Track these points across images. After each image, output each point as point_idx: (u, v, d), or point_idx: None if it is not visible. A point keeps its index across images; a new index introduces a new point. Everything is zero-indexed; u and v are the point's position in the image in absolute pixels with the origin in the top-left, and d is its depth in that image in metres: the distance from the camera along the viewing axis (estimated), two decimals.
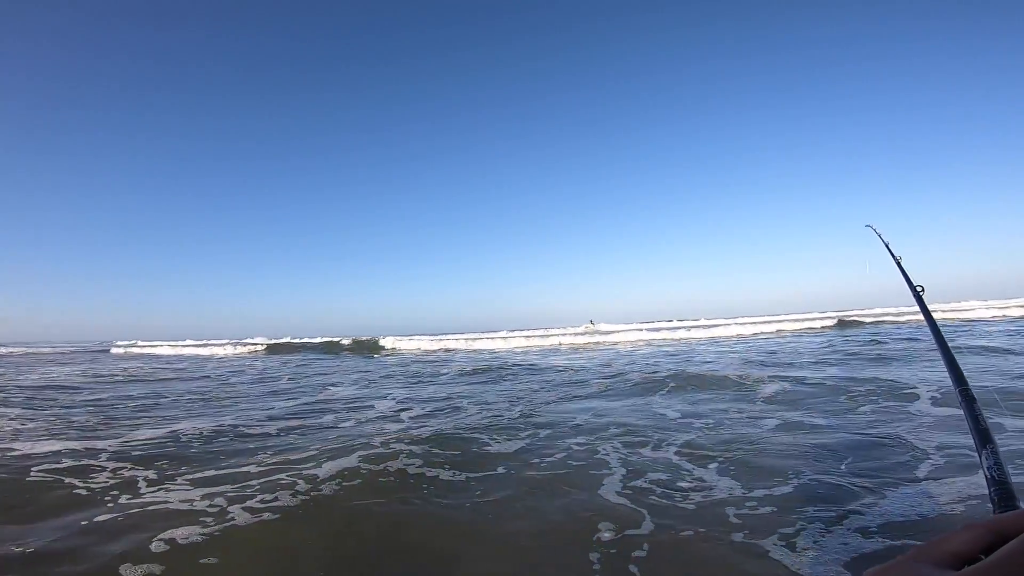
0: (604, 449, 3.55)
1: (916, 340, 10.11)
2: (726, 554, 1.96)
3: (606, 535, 2.19)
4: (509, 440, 3.94)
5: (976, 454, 0.67)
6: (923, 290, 1.40)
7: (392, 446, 3.69)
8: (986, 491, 0.60)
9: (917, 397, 4.55)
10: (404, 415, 5.19)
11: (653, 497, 2.60)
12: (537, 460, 3.40)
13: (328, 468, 3.21)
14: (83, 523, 2.48)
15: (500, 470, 3.25)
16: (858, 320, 20.19)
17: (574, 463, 3.30)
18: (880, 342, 9.95)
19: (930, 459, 2.90)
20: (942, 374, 5.07)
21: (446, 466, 3.30)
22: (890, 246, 1.84)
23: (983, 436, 0.70)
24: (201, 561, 2.09)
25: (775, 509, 2.35)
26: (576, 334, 23.63)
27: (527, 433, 4.17)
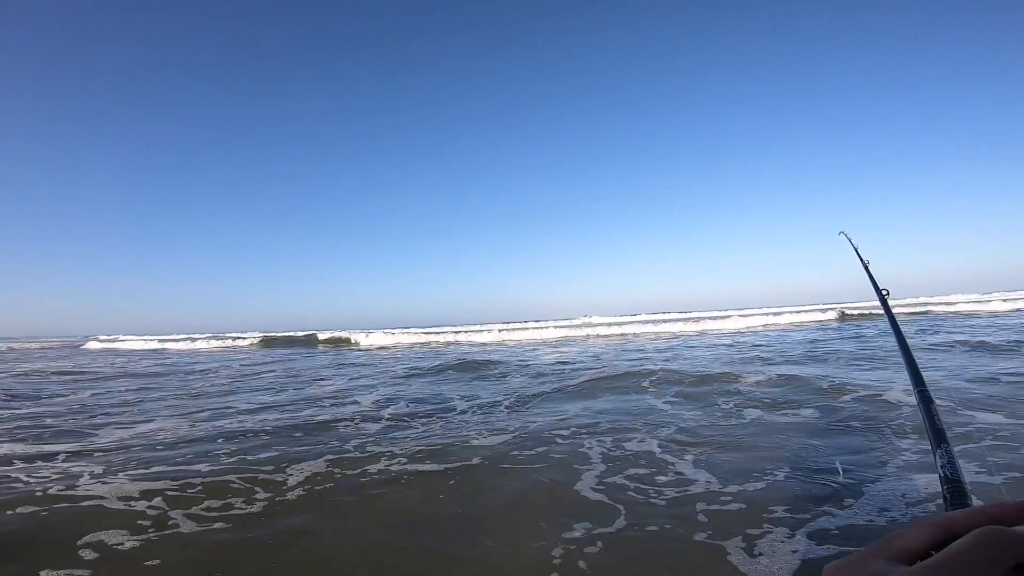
0: (589, 443, 3.59)
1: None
2: (684, 555, 1.99)
3: (577, 533, 2.21)
4: (493, 435, 3.95)
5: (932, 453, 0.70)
6: (888, 293, 1.47)
7: (368, 449, 3.66)
8: (940, 489, 0.63)
9: (891, 390, 4.61)
10: (385, 412, 5.17)
11: (630, 493, 2.64)
12: (517, 454, 3.43)
13: (291, 472, 3.16)
14: (9, 515, 2.48)
15: (478, 461, 3.27)
16: (861, 313, 20.30)
17: (557, 456, 3.34)
18: (865, 338, 10.07)
19: (902, 456, 2.94)
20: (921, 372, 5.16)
21: (426, 461, 3.31)
22: (859, 250, 1.92)
23: (938, 436, 0.73)
24: (124, 567, 2.05)
25: (744, 507, 2.38)
26: (571, 327, 23.70)
27: (513, 427, 4.19)
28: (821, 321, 18.55)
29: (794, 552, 1.92)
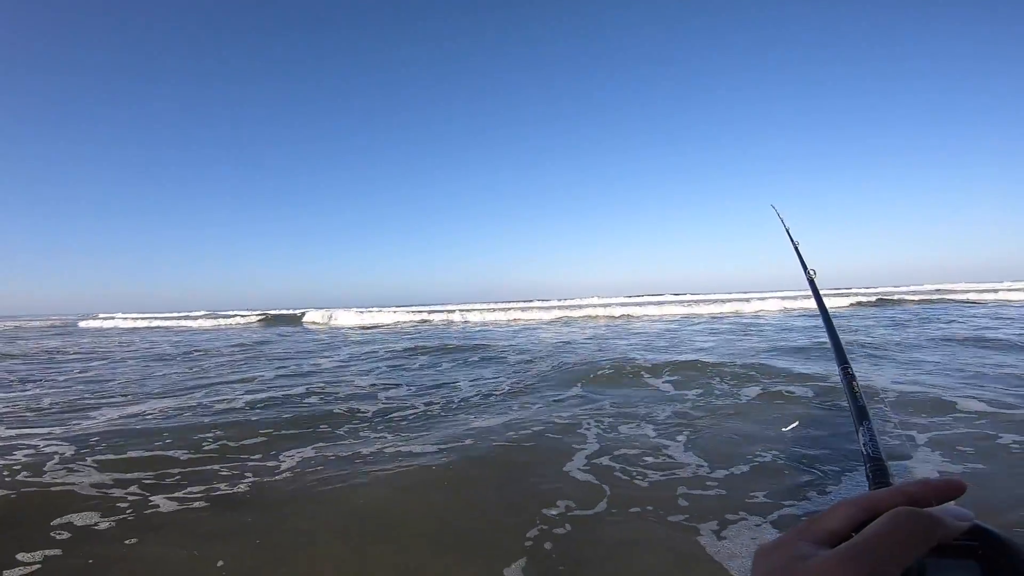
0: (587, 423, 3.70)
1: (900, 326, 10.12)
2: (656, 535, 2.06)
3: (553, 512, 2.29)
4: (490, 417, 4.03)
5: (855, 430, 0.70)
6: (815, 273, 1.49)
7: (362, 434, 3.70)
8: (863, 468, 0.63)
9: (879, 380, 4.68)
10: (381, 393, 5.21)
11: (616, 474, 2.72)
12: (514, 434, 3.49)
13: (282, 456, 3.20)
14: None
15: (471, 443, 3.33)
16: (900, 298, 20.07)
17: (552, 436, 3.43)
18: (867, 328, 10.03)
19: (884, 442, 2.95)
20: (904, 368, 5.17)
21: (420, 443, 3.36)
22: (790, 230, 1.90)
23: (860, 413, 0.73)
24: (100, 551, 2.08)
25: (724, 492, 2.45)
26: (575, 307, 23.71)
27: (512, 408, 4.27)
28: (837, 307, 18.40)
29: (754, 539, 1.99)
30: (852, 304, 19.09)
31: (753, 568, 0.33)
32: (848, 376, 0.86)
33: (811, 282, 1.44)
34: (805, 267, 1.51)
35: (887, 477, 0.59)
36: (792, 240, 1.78)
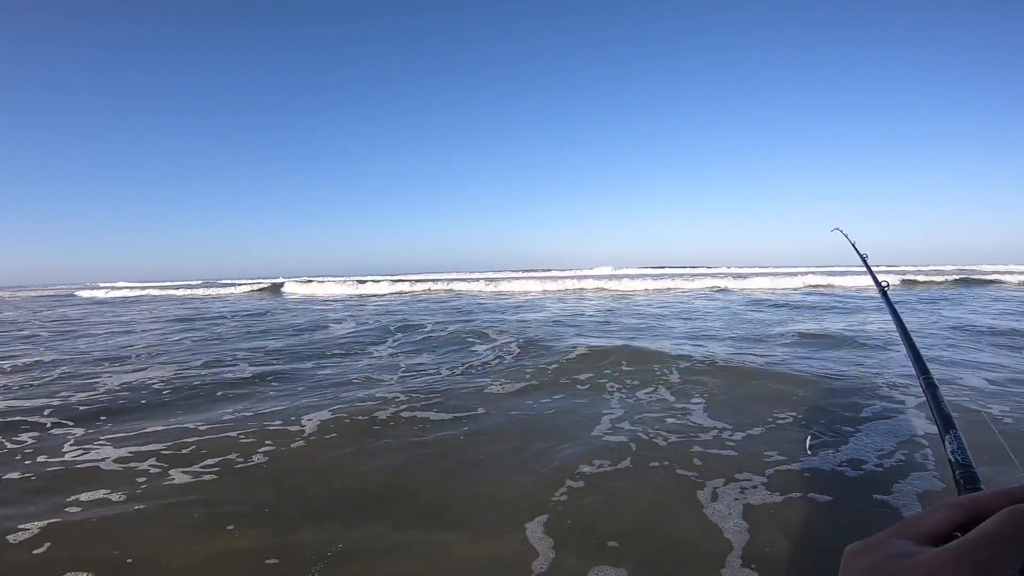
0: (610, 386, 3.83)
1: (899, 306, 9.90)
2: (660, 493, 2.18)
3: (586, 468, 2.41)
4: (510, 383, 4.05)
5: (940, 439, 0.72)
6: (888, 285, 1.63)
7: (379, 396, 3.76)
8: (951, 473, 0.64)
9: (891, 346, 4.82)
10: (402, 361, 5.12)
11: (633, 440, 2.79)
12: (534, 403, 3.51)
13: (299, 423, 3.17)
14: None
15: (483, 412, 3.34)
16: (917, 280, 19.76)
17: (580, 401, 3.51)
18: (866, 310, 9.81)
19: (898, 413, 3.03)
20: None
21: (435, 410, 3.40)
22: (856, 245, 2.13)
23: (946, 422, 0.75)
24: (97, 525, 2.02)
25: (737, 454, 2.56)
26: (590, 278, 23.60)
27: (529, 375, 4.30)
28: (857, 288, 17.99)
29: (738, 500, 2.08)
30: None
31: (843, 568, 0.32)
32: (931, 386, 0.88)
33: (883, 293, 1.54)
34: (877, 281, 1.67)
35: (978, 483, 0.59)
36: (860, 255, 2.01)
